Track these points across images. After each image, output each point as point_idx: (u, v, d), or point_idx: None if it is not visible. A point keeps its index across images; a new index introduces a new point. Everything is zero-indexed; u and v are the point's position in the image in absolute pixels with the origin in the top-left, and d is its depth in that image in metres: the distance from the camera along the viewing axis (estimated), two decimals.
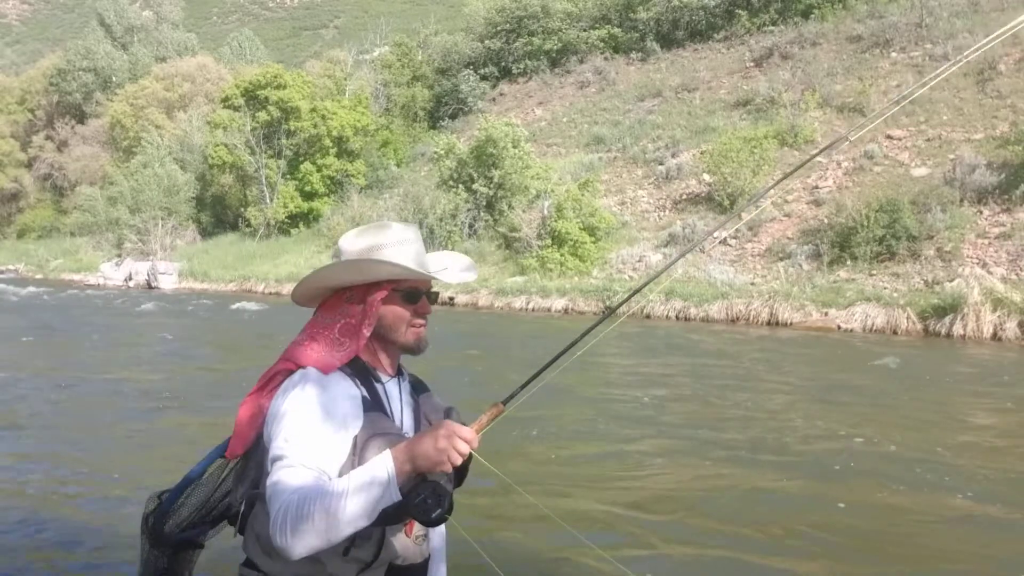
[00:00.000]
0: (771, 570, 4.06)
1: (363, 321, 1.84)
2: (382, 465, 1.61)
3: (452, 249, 26.22)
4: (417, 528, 1.83)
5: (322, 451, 1.68)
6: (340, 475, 1.68)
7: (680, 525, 4.72)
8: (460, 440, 1.62)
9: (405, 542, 1.82)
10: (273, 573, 1.78)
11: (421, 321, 1.91)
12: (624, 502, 5.07)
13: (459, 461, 1.62)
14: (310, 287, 1.91)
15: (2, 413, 7.72)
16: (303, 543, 1.57)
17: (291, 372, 1.83)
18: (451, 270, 2.01)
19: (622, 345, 12.88)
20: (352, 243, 1.88)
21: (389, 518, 1.65)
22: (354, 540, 1.71)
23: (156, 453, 6.22)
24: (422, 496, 1.60)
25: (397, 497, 1.60)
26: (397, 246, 1.86)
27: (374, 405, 1.83)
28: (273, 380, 1.85)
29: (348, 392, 1.79)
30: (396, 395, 1.93)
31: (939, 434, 6.94)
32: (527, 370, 1.91)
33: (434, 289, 1.97)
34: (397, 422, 1.89)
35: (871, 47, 27.60)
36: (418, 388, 2.04)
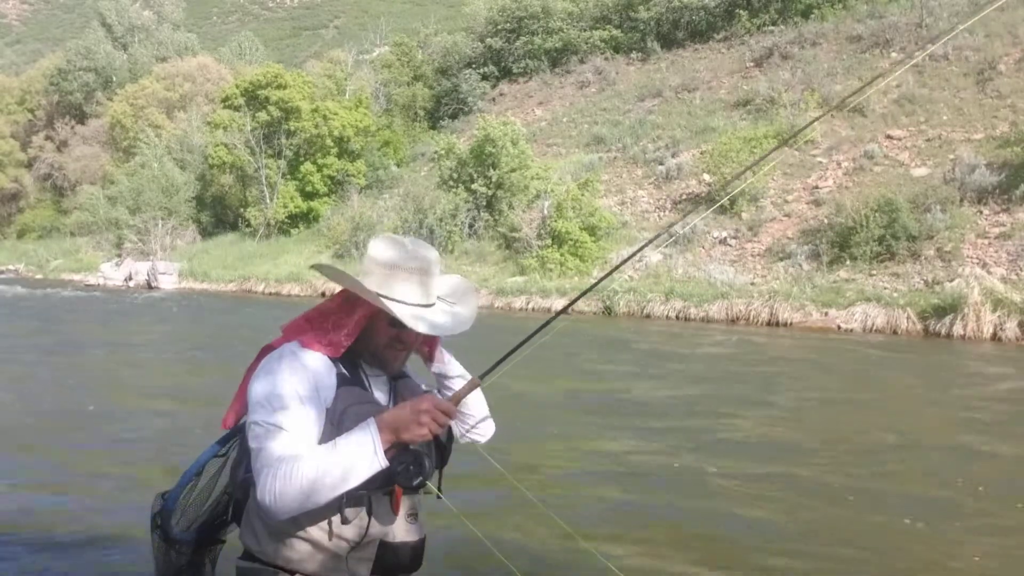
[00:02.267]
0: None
1: (350, 328, 1.87)
2: (367, 433, 1.70)
3: (452, 250, 26.27)
4: (406, 506, 1.87)
5: (297, 416, 1.74)
6: (319, 441, 1.74)
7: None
8: (440, 411, 1.72)
9: (395, 519, 1.85)
10: (272, 559, 1.82)
11: (401, 346, 1.93)
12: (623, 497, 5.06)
13: (439, 431, 1.74)
14: (331, 279, 1.99)
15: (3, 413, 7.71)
16: (290, 504, 1.66)
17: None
18: (433, 317, 1.91)
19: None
20: (378, 251, 1.90)
21: (373, 484, 1.73)
22: (343, 518, 1.76)
23: (157, 455, 6.20)
24: (405, 464, 1.71)
25: (384, 464, 1.69)
26: (394, 271, 1.87)
27: (352, 382, 1.87)
28: (262, 353, 1.93)
29: (324, 365, 1.83)
30: (380, 386, 1.95)
31: None
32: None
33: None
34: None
35: (871, 47, 27.60)
36: (399, 375, 2.07)
